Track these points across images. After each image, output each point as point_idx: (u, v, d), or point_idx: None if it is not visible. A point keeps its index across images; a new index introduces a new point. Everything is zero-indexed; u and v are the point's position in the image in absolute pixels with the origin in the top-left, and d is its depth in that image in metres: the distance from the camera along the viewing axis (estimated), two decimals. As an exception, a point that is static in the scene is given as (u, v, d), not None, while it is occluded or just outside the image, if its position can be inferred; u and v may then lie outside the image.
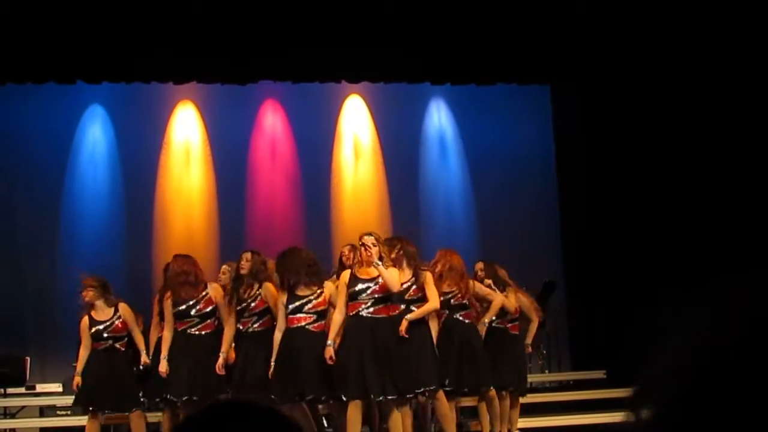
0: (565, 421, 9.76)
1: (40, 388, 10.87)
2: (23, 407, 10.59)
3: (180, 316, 8.25)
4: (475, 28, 11.10)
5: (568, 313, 12.46)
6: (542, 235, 13.05)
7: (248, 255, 8.47)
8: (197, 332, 8.27)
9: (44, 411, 10.57)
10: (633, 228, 11.71)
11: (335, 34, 10.77)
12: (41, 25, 10.26)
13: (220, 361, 8.16)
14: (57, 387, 10.87)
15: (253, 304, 8.26)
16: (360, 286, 7.65)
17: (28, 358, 10.98)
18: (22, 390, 10.77)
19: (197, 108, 12.98)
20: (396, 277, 7.69)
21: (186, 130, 12.97)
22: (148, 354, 8.51)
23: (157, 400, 8.39)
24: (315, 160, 13.12)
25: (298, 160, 13.14)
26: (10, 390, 10.67)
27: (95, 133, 12.71)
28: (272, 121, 13.20)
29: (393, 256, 8.02)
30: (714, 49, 10.76)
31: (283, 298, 7.89)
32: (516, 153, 13.21)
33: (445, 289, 8.36)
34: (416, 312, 7.91)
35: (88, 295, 8.46)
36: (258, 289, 8.25)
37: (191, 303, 8.25)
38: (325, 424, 8.99)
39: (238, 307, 8.22)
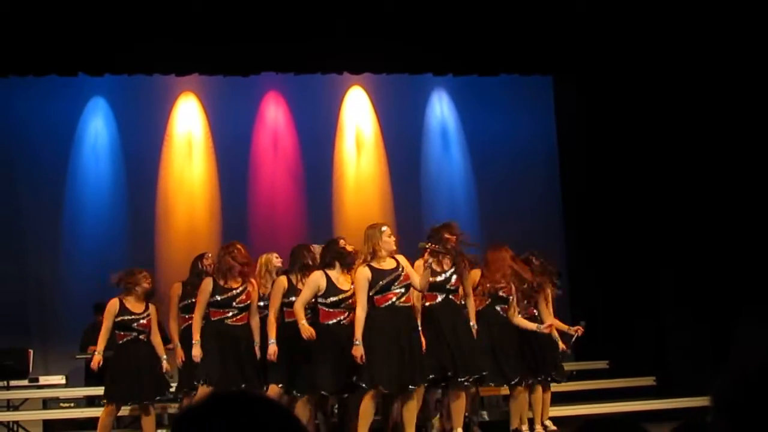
0: (569, 411, 9.78)
1: (43, 380, 10.88)
2: (26, 399, 10.60)
3: (219, 306, 8.30)
4: (477, 18, 11.07)
5: (571, 303, 12.45)
6: (545, 225, 13.03)
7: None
8: (234, 323, 8.35)
9: (47, 403, 10.58)
10: (636, 219, 11.70)
11: (337, 25, 10.75)
12: (43, 17, 10.25)
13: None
14: (60, 379, 10.89)
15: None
16: (388, 278, 7.65)
17: (31, 351, 10.99)
18: (25, 382, 10.78)
19: (199, 100, 12.97)
20: (416, 274, 7.83)
21: (188, 122, 12.96)
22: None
23: (198, 383, 8.38)
24: (317, 152, 13.11)
25: (300, 152, 13.13)
26: (13, 382, 10.68)
27: (97, 125, 12.70)
28: (274, 113, 13.18)
29: (448, 245, 8.10)
30: (716, 42, 10.73)
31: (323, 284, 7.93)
32: (518, 144, 13.19)
33: (497, 279, 8.58)
34: (473, 316, 8.20)
35: (147, 283, 8.54)
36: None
37: (234, 293, 8.32)
38: (335, 410, 9.02)
39: (291, 298, 8.24)
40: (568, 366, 12.16)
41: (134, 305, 8.56)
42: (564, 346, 9.07)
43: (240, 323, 8.39)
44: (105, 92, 12.61)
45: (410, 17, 10.87)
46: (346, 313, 7.87)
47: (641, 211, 11.63)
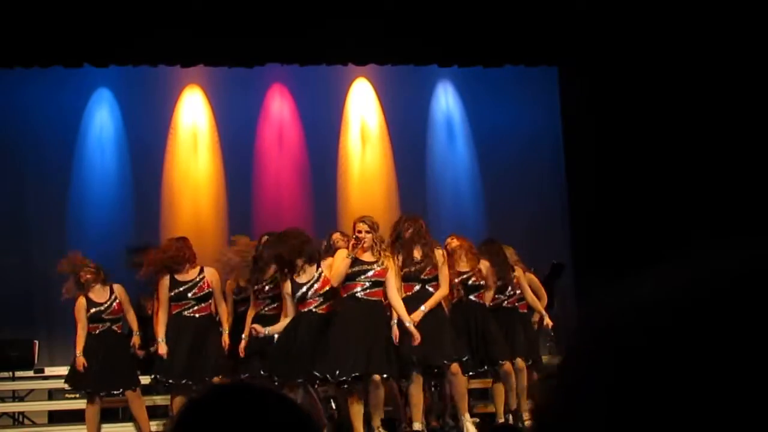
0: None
1: (48, 371, 10.91)
2: (32, 390, 10.62)
3: (177, 299, 8.34)
4: (482, 9, 11.05)
5: (576, 295, 12.44)
6: (550, 217, 13.02)
7: (264, 238, 8.57)
8: (192, 314, 8.38)
9: (53, 394, 10.61)
10: (642, 210, 11.67)
11: (341, 16, 10.73)
12: (48, 8, 10.25)
13: (225, 337, 8.34)
14: (65, 370, 10.85)
15: (267, 288, 8.34)
16: (358, 268, 7.72)
17: (37, 342, 11.02)
18: (31, 373, 10.81)
19: (204, 92, 12.96)
20: (393, 279, 7.87)
21: (193, 115, 12.95)
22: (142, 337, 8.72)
23: (158, 377, 8.48)
24: (322, 145, 13.10)
25: (305, 145, 13.12)
26: (18, 373, 10.71)
27: (102, 117, 12.70)
28: (279, 106, 13.17)
29: (407, 236, 8.12)
30: (723, 32, 10.70)
31: (287, 286, 7.96)
32: (524, 135, 13.16)
33: (463, 268, 8.48)
34: (430, 302, 8.02)
35: (87, 277, 8.55)
36: (275, 273, 8.33)
37: (188, 285, 8.34)
38: (333, 406, 9.02)
39: (254, 288, 8.31)
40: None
41: (99, 295, 8.56)
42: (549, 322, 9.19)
43: (198, 314, 8.41)
44: (110, 83, 12.61)
45: (415, 8, 10.85)
46: (320, 301, 7.95)
47: (647, 203, 11.60)
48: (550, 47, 11.77)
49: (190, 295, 8.38)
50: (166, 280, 8.42)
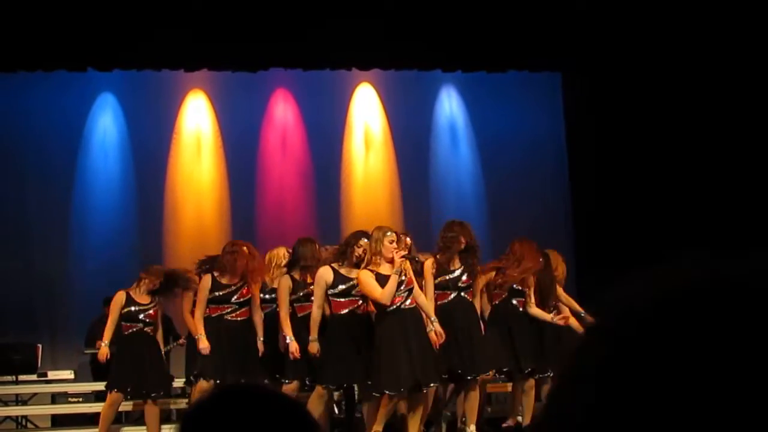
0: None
1: (51, 375, 10.90)
2: (35, 394, 10.62)
3: (219, 301, 8.36)
4: (486, 14, 11.06)
5: (578, 300, 12.42)
6: (553, 222, 13.01)
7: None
8: (234, 318, 8.41)
9: (56, 398, 10.61)
10: (645, 215, 11.67)
11: (345, 21, 10.74)
12: (51, 12, 10.26)
13: (260, 345, 8.38)
14: (68, 374, 10.91)
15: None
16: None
17: (40, 346, 11.02)
18: (34, 377, 10.81)
19: (208, 97, 12.97)
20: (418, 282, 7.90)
21: (197, 119, 12.96)
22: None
23: (194, 376, 8.46)
24: (326, 150, 13.10)
25: (308, 149, 13.12)
26: (21, 377, 10.71)
27: (106, 122, 12.71)
28: (283, 111, 13.17)
29: (472, 243, 8.16)
30: (724, 37, 10.71)
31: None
32: (527, 141, 13.16)
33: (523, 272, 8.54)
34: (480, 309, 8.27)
35: (151, 283, 8.62)
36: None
37: (232, 289, 8.37)
38: (336, 411, 9.02)
39: (300, 293, 8.29)
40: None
41: (141, 297, 8.65)
42: None
43: (239, 318, 8.44)
44: (114, 88, 12.61)
45: (419, 13, 10.87)
46: (359, 302, 7.91)
47: (651, 205, 11.61)
48: (554, 52, 11.78)
49: (233, 299, 8.42)
50: (207, 281, 8.42)
